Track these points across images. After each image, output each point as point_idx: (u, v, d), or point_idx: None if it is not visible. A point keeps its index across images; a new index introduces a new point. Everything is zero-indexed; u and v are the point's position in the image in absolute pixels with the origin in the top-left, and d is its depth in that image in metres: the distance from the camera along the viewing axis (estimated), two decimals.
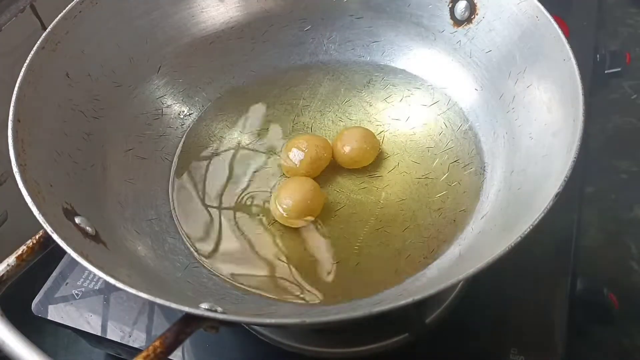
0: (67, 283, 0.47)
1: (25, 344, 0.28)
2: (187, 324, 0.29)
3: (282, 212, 0.41)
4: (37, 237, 0.33)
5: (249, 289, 0.39)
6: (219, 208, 0.43)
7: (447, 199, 0.41)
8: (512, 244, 0.29)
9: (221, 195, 0.44)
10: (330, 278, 0.39)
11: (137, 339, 0.44)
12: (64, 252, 0.30)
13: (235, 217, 0.42)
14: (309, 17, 0.50)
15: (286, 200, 0.41)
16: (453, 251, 0.39)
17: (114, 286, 0.29)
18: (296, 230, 0.41)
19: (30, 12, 0.55)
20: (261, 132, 0.47)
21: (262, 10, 0.50)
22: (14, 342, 0.28)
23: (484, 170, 0.42)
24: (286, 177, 0.44)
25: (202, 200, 0.44)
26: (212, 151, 0.47)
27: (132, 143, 0.44)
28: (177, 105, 0.48)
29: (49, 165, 0.37)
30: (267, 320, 0.29)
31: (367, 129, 0.46)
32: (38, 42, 0.39)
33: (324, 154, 0.44)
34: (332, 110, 0.48)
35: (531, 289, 0.44)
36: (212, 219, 0.43)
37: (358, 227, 0.41)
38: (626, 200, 0.64)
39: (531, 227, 0.29)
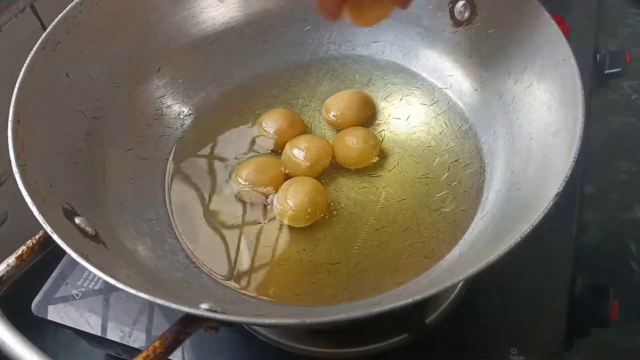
0: (67, 283, 0.47)
1: (25, 344, 0.28)
2: (187, 324, 0.29)
3: (287, 211, 0.41)
4: (37, 237, 0.33)
5: (248, 289, 0.39)
6: (219, 208, 0.43)
7: (447, 199, 0.41)
8: (512, 244, 0.29)
9: (220, 195, 0.44)
10: (330, 278, 0.39)
11: (137, 339, 0.44)
12: (64, 252, 0.30)
13: (234, 217, 0.42)
14: (309, 17, 0.50)
15: (291, 199, 0.41)
16: (453, 251, 0.39)
17: (114, 286, 0.29)
18: (296, 230, 0.41)
19: (30, 12, 0.55)
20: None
21: (262, 10, 0.50)
22: (14, 342, 0.28)
23: (484, 170, 0.42)
24: (288, 177, 0.44)
25: (202, 201, 0.44)
26: (211, 151, 0.47)
27: (132, 143, 0.44)
28: (177, 105, 0.48)
29: (49, 165, 0.37)
30: (267, 321, 0.29)
31: (367, 129, 0.46)
32: (38, 42, 0.39)
33: (324, 155, 0.44)
34: None
35: (531, 289, 0.44)
36: (211, 219, 0.42)
37: (358, 227, 0.41)
38: (626, 200, 0.64)
39: (531, 227, 0.29)
